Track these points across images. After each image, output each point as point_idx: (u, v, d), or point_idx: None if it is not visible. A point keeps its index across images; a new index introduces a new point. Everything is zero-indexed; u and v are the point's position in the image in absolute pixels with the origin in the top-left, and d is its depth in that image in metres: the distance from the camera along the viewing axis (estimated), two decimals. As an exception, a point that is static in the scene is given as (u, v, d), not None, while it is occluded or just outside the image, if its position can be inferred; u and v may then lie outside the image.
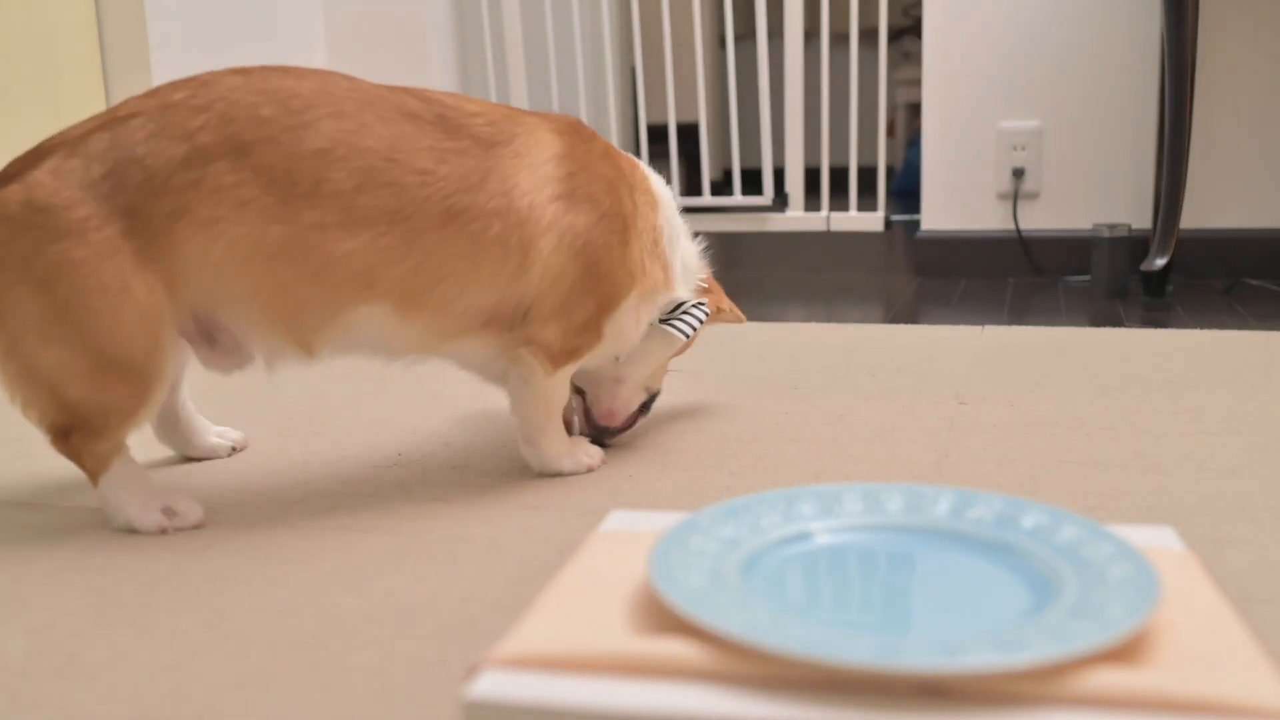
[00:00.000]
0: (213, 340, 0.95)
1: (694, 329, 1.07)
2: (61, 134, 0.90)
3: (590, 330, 0.99)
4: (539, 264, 0.95)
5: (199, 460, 1.13)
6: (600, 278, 0.98)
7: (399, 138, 0.92)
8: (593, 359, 1.04)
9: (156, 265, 0.88)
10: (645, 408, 1.15)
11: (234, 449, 1.15)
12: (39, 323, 0.87)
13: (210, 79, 0.91)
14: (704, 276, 1.15)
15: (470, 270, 0.93)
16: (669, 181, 1.16)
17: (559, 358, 0.99)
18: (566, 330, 0.98)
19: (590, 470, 1.05)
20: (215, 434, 1.14)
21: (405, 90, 0.96)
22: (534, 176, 0.95)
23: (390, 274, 0.91)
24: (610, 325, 1.01)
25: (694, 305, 1.08)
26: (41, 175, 0.87)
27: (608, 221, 0.98)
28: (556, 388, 1.01)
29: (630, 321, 1.03)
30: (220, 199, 0.87)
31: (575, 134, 1.00)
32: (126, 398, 0.89)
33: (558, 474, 1.04)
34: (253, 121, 0.89)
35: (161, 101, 0.90)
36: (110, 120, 0.89)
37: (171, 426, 1.11)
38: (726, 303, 1.19)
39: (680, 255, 1.09)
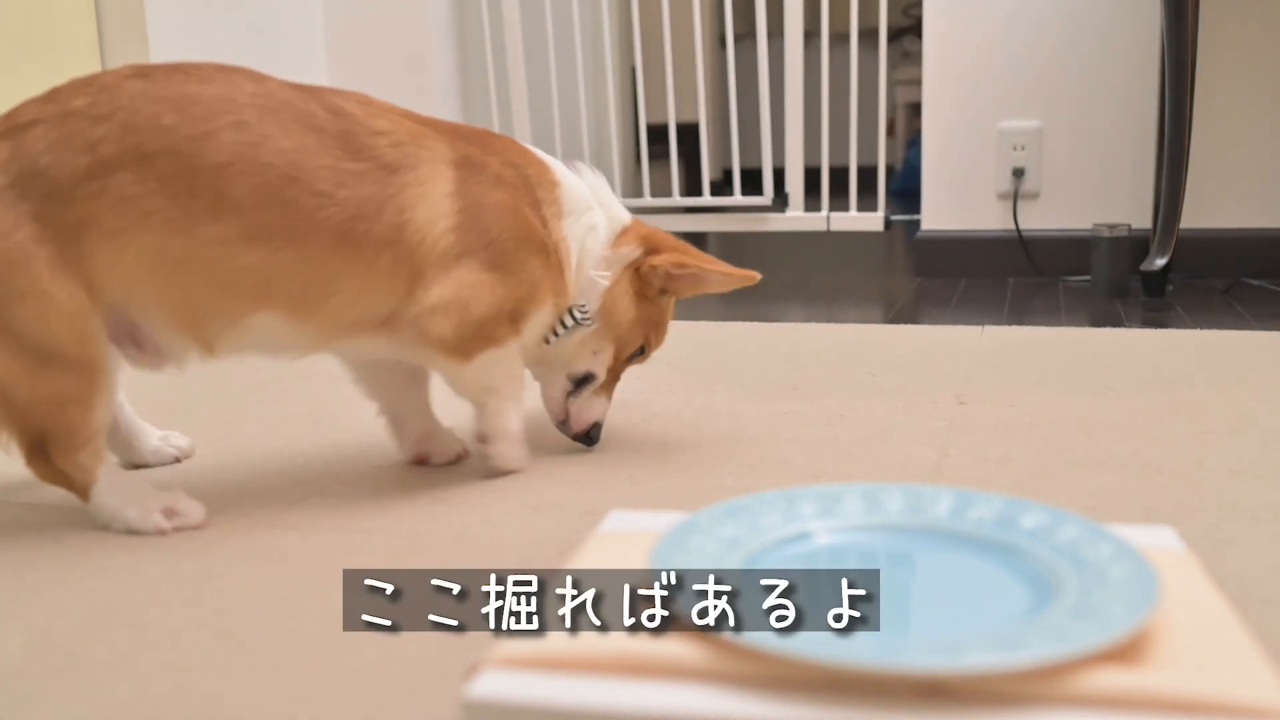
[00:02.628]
0: (138, 341, 0.95)
1: (556, 335, 1.06)
2: None
3: (505, 325, 0.99)
4: (431, 287, 0.96)
5: (143, 467, 1.10)
6: (505, 284, 0.98)
7: (300, 153, 0.92)
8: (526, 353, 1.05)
9: (72, 270, 0.88)
10: (579, 385, 1.11)
11: (178, 457, 1.13)
12: None
13: (111, 83, 0.90)
14: (627, 249, 1.09)
15: (361, 288, 0.95)
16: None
17: (468, 345, 0.98)
18: (462, 323, 0.97)
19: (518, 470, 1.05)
20: (159, 438, 1.13)
21: (313, 95, 0.96)
22: (430, 211, 0.96)
23: (285, 286, 0.93)
24: (526, 327, 1.02)
25: (568, 311, 1.06)
26: None
27: (504, 244, 0.98)
28: (483, 374, 1.01)
29: (537, 329, 1.04)
30: (125, 209, 0.88)
31: (468, 166, 0.99)
32: (75, 387, 0.90)
33: (506, 472, 1.05)
34: (154, 131, 0.89)
35: (62, 108, 0.89)
36: (10, 128, 0.89)
37: (111, 433, 1.07)
38: (666, 259, 1.07)
39: (577, 255, 1.05)
